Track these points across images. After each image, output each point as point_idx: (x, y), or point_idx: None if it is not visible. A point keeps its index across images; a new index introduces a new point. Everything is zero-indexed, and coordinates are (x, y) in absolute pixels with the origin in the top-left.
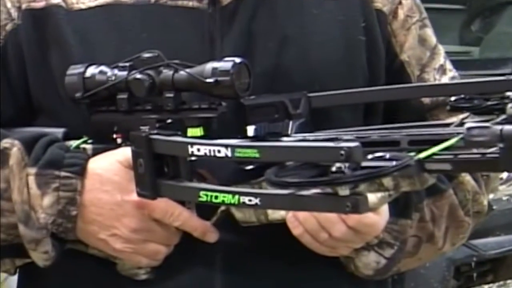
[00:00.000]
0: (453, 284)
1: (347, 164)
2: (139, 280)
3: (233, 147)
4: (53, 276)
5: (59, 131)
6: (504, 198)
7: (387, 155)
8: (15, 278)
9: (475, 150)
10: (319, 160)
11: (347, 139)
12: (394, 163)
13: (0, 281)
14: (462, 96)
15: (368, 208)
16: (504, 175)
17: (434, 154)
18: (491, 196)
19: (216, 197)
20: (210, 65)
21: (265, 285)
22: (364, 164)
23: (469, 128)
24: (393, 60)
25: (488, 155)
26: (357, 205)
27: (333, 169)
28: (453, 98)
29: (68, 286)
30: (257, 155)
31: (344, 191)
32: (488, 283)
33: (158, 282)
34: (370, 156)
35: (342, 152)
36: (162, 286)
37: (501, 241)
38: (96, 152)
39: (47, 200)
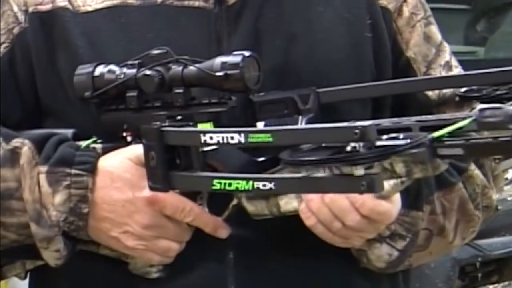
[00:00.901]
0: (458, 284)
1: (361, 144)
2: (152, 279)
3: (246, 132)
4: (65, 278)
5: (68, 132)
6: (509, 198)
7: (401, 135)
8: (16, 279)
9: (487, 134)
10: (333, 140)
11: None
12: (408, 141)
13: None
14: (471, 87)
15: (383, 187)
16: (509, 175)
17: (447, 135)
18: (496, 196)
19: (230, 184)
20: (219, 59)
21: (278, 280)
22: (378, 143)
23: (481, 110)
24: (399, 57)
25: (501, 139)
26: (373, 184)
27: (348, 149)
28: (463, 90)
29: (82, 285)
30: (270, 139)
31: (359, 171)
32: (493, 283)
33: (171, 280)
34: (384, 137)
35: (356, 131)
36: (175, 284)
37: (506, 242)
38: (105, 151)
39: (59, 198)
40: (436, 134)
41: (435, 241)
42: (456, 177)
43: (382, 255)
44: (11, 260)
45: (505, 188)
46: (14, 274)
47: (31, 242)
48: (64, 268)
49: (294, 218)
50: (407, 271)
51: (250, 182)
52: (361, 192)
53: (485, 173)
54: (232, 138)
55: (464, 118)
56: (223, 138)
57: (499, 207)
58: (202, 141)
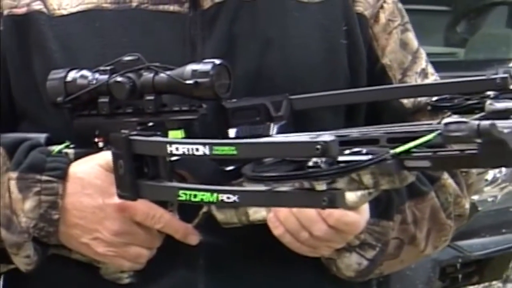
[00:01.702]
0: (439, 285)
1: (323, 159)
2: (123, 284)
3: (211, 144)
4: (37, 281)
5: (41, 136)
6: (489, 199)
7: (364, 150)
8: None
9: (454, 147)
10: (295, 155)
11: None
12: (370, 157)
13: None
14: (444, 96)
15: (345, 202)
16: (489, 176)
17: (411, 149)
18: (476, 197)
19: (195, 196)
20: (190, 67)
21: (248, 287)
22: (340, 159)
23: (446, 124)
24: (374, 63)
25: (467, 151)
26: (334, 200)
27: (310, 164)
28: (434, 98)
29: None
30: (234, 152)
31: (321, 186)
32: (474, 284)
33: (142, 286)
34: (347, 152)
35: (318, 146)
36: None
37: (486, 242)
38: (78, 157)
39: (29, 204)
40: (399, 149)
41: (406, 250)
42: (428, 186)
43: (351, 264)
44: None
45: (485, 189)
46: None
47: (2, 246)
48: (36, 272)
49: (264, 226)
50: (386, 275)
51: (215, 194)
52: (322, 207)
53: (459, 182)
54: (197, 149)
55: (430, 131)
56: (188, 150)
57: (479, 208)
58: (168, 151)
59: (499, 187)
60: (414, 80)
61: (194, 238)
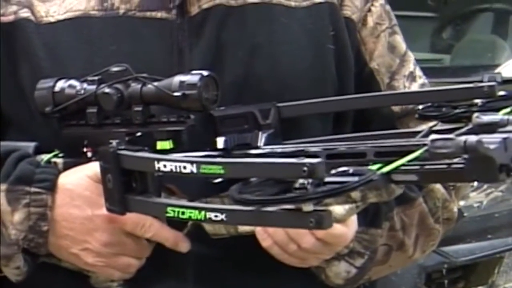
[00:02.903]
0: None
1: (310, 180)
2: None
3: (198, 163)
4: None
5: (30, 145)
6: (475, 205)
7: (351, 170)
8: None
9: (441, 161)
10: (282, 176)
11: (311, 153)
12: (356, 178)
13: None
14: (430, 104)
15: (331, 223)
16: (475, 182)
17: (398, 167)
18: (462, 203)
19: (183, 213)
20: (177, 79)
21: None
22: (327, 179)
23: (433, 140)
24: (362, 68)
25: (454, 166)
26: (321, 221)
27: (297, 185)
28: (421, 107)
29: None
30: (222, 171)
31: (307, 207)
32: None
33: None
34: (333, 171)
35: (305, 168)
36: None
37: (472, 248)
38: (67, 166)
39: (18, 216)
40: (386, 169)
41: (395, 255)
42: (416, 193)
43: (340, 272)
44: None
45: (471, 195)
46: None
47: None
48: (27, 280)
49: (252, 237)
50: (373, 282)
51: (203, 212)
52: (309, 228)
53: (447, 186)
54: (184, 167)
55: (417, 146)
56: (176, 167)
57: (465, 214)
58: (156, 168)
59: (485, 193)
60: (402, 83)
61: (184, 246)
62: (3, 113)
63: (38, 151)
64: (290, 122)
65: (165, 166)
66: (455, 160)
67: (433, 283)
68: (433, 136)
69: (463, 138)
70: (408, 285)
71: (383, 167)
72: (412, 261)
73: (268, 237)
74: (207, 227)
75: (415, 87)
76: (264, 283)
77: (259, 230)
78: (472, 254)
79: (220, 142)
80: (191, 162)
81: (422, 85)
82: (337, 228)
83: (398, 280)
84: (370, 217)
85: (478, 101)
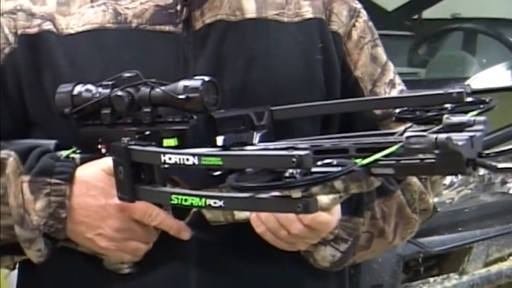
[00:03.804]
0: (403, 277)
1: (298, 170)
2: (123, 274)
3: (200, 155)
4: (48, 270)
5: (51, 143)
6: (447, 201)
7: (335, 162)
8: (15, 272)
9: (415, 156)
10: (273, 166)
11: (299, 147)
12: (339, 168)
13: (2, 277)
14: (406, 108)
15: (317, 208)
16: (447, 181)
17: (376, 160)
18: (436, 199)
19: (186, 200)
20: (182, 83)
21: (234, 277)
22: (314, 169)
23: (408, 137)
24: (348, 76)
25: (426, 160)
26: (308, 206)
27: (286, 174)
28: (398, 110)
29: (61, 279)
30: (220, 163)
31: (296, 193)
32: (433, 276)
33: (140, 275)
34: (319, 163)
35: (294, 159)
36: (143, 279)
37: (445, 239)
38: (83, 161)
39: (40, 204)
40: (365, 161)
41: (376, 242)
42: (395, 186)
43: (326, 256)
44: (1, 255)
45: (444, 192)
46: (4, 265)
47: (17, 241)
48: (47, 262)
49: (248, 224)
50: (358, 266)
51: (203, 199)
52: (297, 213)
53: (423, 180)
54: (187, 159)
55: (393, 143)
56: (180, 159)
57: (439, 209)
58: (162, 160)
59: (456, 190)
60: (383, 89)
61: (186, 234)
62: (28, 115)
63: (58, 147)
64: (282, 123)
65: (170, 158)
66: (428, 155)
67: (410, 271)
68: (408, 133)
69: (434, 135)
70: (388, 273)
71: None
72: (393, 247)
73: (262, 224)
74: (207, 215)
75: (394, 93)
76: (258, 265)
77: (253, 218)
78: (445, 245)
79: (220, 140)
80: (193, 155)
81: (401, 91)
82: (322, 215)
83: (379, 268)
84: (353, 207)
85: (448, 105)
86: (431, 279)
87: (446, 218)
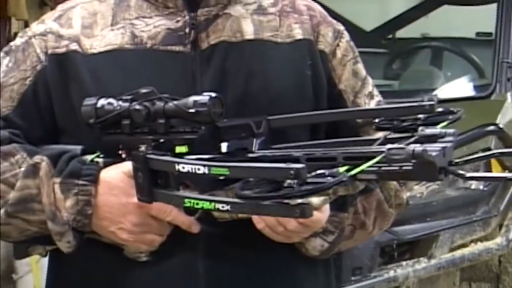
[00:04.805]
0: (379, 261)
1: (295, 181)
2: (141, 261)
3: (209, 166)
4: (76, 258)
5: (78, 148)
6: (418, 195)
7: (326, 172)
8: (46, 258)
9: (394, 164)
10: (274, 177)
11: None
12: (331, 179)
13: (34, 261)
14: (384, 118)
15: (312, 213)
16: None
17: (362, 170)
18: (408, 194)
19: (197, 204)
20: (192, 99)
21: (236, 265)
22: (308, 180)
23: (389, 149)
24: (333, 89)
25: (404, 168)
26: (304, 212)
27: (285, 184)
28: (377, 120)
29: (87, 265)
30: (227, 173)
31: (293, 201)
32: (406, 259)
33: (155, 263)
34: (313, 173)
35: (292, 172)
36: (158, 266)
37: (415, 228)
38: (106, 165)
39: (69, 202)
40: (353, 172)
41: (358, 232)
42: (374, 185)
43: (316, 246)
44: (34, 244)
45: (415, 188)
46: (37, 253)
47: (49, 233)
48: (76, 251)
49: (249, 220)
50: (340, 252)
51: (213, 203)
52: (295, 217)
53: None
54: (199, 169)
55: (376, 153)
56: (192, 169)
57: (410, 202)
58: (176, 169)
59: (425, 186)
60: (363, 100)
61: (195, 228)
62: (58, 123)
63: (84, 152)
64: (277, 131)
65: (183, 167)
66: (405, 163)
67: (386, 255)
68: (389, 146)
69: (411, 147)
70: (367, 257)
71: (351, 170)
72: (372, 237)
73: (262, 221)
74: (214, 212)
75: (373, 103)
76: (257, 255)
77: (254, 216)
78: (416, 233)
79: (224, 146)
80: (204, 166)
81: (379, 101)
82: (314, 214)
83: (359, 253)
84: (339, 204)
85: (421, 116)
86: (404, 263)
87: (416, 210)
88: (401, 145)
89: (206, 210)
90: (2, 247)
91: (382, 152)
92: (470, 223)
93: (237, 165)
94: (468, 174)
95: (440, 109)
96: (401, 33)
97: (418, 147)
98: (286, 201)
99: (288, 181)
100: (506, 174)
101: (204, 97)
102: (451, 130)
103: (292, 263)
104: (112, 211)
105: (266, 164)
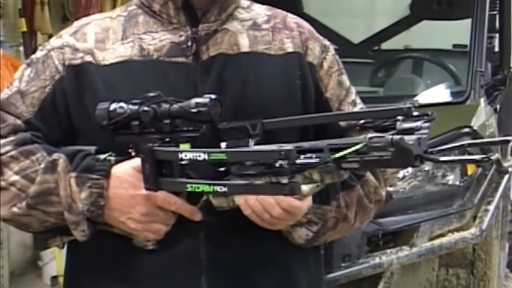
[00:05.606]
0: (366, 249)
1: (286, 162)
2: (148, 249)
3: (209, 152)
4: (90, 247)
5: (92, 148)
6: (400, 190)
7: (313, 156)
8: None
9: (375, 154)
10: (266, 159)
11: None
12: (317, 159)
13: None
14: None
15: (300, 191)
16: (400, 174)
17: (345, 155)
18: (391, 189)
19: (198, 188)
20: (194, 100)
21: (235, 251)
22: (297, 162)
23: (370, 137)
24: (320, 97)
25: (384, 157)
26: (293, 189)
27: (277, 165)
28: (361, 122)
29: (100, 253)
30: (225, 158)
31: (284, 180)
32: (390, 248)
33: (161, 251)
34: (302, 156)
35: (282, 153)
36: (163, 253)
37: (399, 220)
38: (117, 162)
39: (83, 194)
40: (338, 155)
41: (341, 225)
42: (355, 182)
43: (301, 235)
44: (53, 236)
45: (398, 183)
46: (55, 244)
47: (65, 224)
48: (89, 241)
49: None
50: (331, 242)
51: (212, 186)
52: (285, 195)
53: (377, 178)
54: (199, 156)
55: (359, 143)
56: (193, 156)
57: (394, 196)
58: (180, 158)
59: (407, 182)
60: (347, 108)
61: (198, 216)
62: (74, 127)
63: (98, 152)
64: (271, 133)
65: (186, 155)
66: (385, 152)
67: (372, 244)
68: (370, 135)
69: (390, 136)
70: (355, 245)
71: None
72: (354, 229)
73: (249, 208)
74: (214, 202)
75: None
76: (253, 242)
77: (242, 203)
78: (399, 224)
79: (223, 146)
80: (204, 152)
81: (361, 109)
82: (295, 201)
83: (348, 242)
84: (322, 198)
85: (399, 117)
86: (388, 251)
87: (399, 203)
88: (381, 134)
89: (207, 193)
90: (29, 238)
91: (364, 141)
92: (448, 215)
93: (234, 150)
94: (442, 158)
95: (416, 113)
96: (386, 45)
97: (396, 136)
98: (277, 180)
99: (279, 162)
100: (475, 157)
101: (204, 99)
102: (426, 124)
103: (286, 251)
104: (122, 202)
105: (260, 147)
